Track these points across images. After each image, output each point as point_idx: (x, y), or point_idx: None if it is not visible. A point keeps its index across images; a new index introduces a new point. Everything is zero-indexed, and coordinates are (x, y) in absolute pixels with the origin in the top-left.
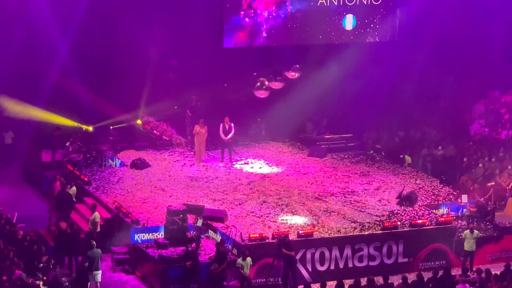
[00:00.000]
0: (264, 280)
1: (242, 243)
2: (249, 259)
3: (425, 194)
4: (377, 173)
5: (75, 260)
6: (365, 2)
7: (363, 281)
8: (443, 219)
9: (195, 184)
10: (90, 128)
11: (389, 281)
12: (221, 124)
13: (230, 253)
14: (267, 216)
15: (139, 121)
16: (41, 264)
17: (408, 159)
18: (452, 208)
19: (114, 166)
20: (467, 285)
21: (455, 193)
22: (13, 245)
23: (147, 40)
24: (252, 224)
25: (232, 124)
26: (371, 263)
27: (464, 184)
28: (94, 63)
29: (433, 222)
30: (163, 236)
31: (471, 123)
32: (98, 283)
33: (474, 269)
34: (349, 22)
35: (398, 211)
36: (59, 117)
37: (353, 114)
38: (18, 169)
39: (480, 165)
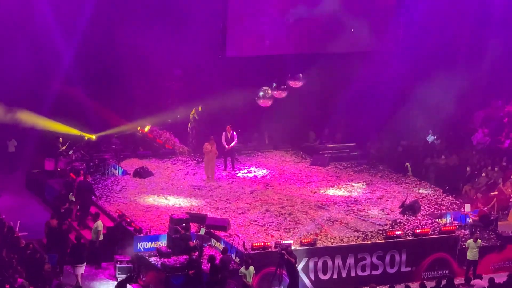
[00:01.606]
0: None
1: (245, 252)
2: (251, 268)
3: (428, 203)
4: (380, 182)
5: (62, 258)
6: (365, 12)
7: None
8: (445, 228)
9: (198, 193)
10: (93, 137)
11: None
12: (223, 133)
13: (232, 262)
14: (270, 225)
15: (139, 128)
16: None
17: (408, 167)
18: (455, 217)
19: (117, 175)
20: None
21: (458, 202)
22: (16, 253)
23: (151, 49)
24: (255, 233)
25: (235, 133)
26: (374, 272)
27: (467, 193)
28: (98, 72)
29: (436, 231)
30: (166, 245)
31: (474, 132)
32: (79, 276)
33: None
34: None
35: (401, 220)
36: (62, 125)
37: (356, 123)
38: (21, 177)
39: (483, 174)
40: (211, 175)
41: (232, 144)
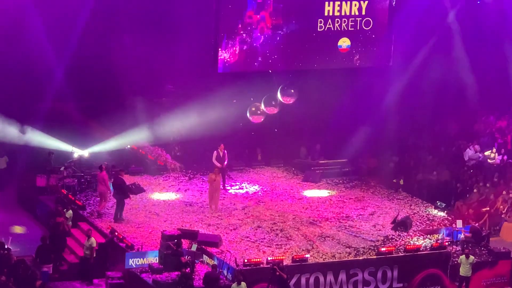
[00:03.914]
0: None
1: (237, 268)
2: (243, 284)
3: (420, 219)
4: (372, 198)
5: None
6: (356, 28)
7: None
8: (437, 244)
9: (189, 209)
10: (85, 153)
11: None
12: (215, 151)
13: (224, 277)
14: (261, 241)
15: (130, 146)
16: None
17: (401, 181)
18: (449, 233)
19: (108, 191)
20: None
21: (450, 218)
22: (7, 270)
23: (142, 65)
24: (247, 249)
25: (226, 151)
26: None
27: (459, 209)
28: (90, 87)
29: (427, 247)
30: (157, 261)
31: (466, 148)
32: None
33: None
34: (344, 42)
35: (393, 236)
36: (54, 141)
37: (348, 139)
38: (13, 194)
39: (475, 190)
40: (214, 205)
41: (226, 163)
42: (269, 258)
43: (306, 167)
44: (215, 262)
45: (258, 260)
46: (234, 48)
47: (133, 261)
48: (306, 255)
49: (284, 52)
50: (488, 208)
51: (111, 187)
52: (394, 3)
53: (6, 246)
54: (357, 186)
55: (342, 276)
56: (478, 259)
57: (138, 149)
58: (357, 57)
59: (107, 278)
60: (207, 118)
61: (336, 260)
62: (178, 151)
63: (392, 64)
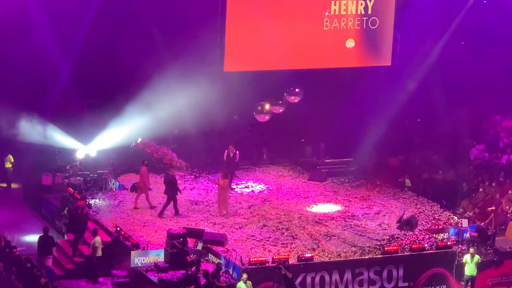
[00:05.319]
0: None
1: (242, 267)
2: (249, 282)
3: (426, 219)
4: (378, 197)
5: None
6: (363, 27)
7: None
8: (443, 243)
9: (195, 208)
10: (91, 152)
11: None
12: (226, 151)
13: (230, 277)
14: (267, 240)
15: (134, 144)
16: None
17: (407, 182)
18: (455, 232)
19: (114, 189)
20: None
21: (456, 217)
22: (13, 268)
23: (148, 63)
24: (252, 248)
25: (237, 152)
26: None
27: (464, 209)
28: (96, 86)
29: (433, 246)
30: (163, 260)
31: (471, 147)
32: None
33: None
34: (351, 42)
35: (399, 235)
36: (60, 139)
37: (354, 138)
38: (18, 192)
39: (481, 189)
40: (224, 210)
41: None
42: (274, 257)
43: (312, 166)
44: (220, 261)
45: (264, 259)
46: (240, 47)
47: (138, 260)
48: (310, 254)
49: (290, 51)
50: (494, 208)
51: (116, 185)
52: None
53: (11, 245)
54: (362, 185)
55: (348, 275)
56: (484, 258)
57: (144, 147)
58: (363, 56)
59: (112, 277)
60: (212, 117)
61: (342, 259)
62: (176, 145)
63: (398, 63)
